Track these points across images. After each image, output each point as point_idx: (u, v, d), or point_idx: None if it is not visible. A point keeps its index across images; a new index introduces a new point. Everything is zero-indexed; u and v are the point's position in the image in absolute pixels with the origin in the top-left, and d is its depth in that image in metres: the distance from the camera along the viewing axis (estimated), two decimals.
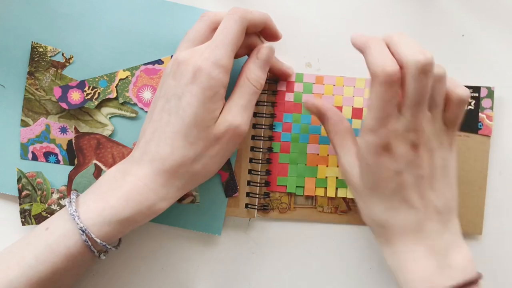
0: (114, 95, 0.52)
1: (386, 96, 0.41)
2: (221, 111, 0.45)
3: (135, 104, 0.52)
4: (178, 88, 0.44)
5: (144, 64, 0.52)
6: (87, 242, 0.43)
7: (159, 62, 0.52)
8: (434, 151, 0.44)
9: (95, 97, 0.52)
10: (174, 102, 0.44)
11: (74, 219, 0.43)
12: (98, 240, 0.43)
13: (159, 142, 0.44)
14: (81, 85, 0.52)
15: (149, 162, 0.45)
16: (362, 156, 0.44)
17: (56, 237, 0.44)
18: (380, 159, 0.43)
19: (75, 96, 0.52)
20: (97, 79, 0.52)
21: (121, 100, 0.52)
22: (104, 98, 0.52)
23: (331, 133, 0.48)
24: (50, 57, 0.52)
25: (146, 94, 0.52)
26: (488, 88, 0.52)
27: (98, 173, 0.53)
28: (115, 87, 0.52)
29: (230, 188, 0.52)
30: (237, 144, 0.47)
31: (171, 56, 0.52)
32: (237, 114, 0.45)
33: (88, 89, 0.52)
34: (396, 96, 0.42)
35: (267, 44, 0.48)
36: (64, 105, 0.52)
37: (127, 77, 0.52)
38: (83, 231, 0.43)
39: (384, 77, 0.40)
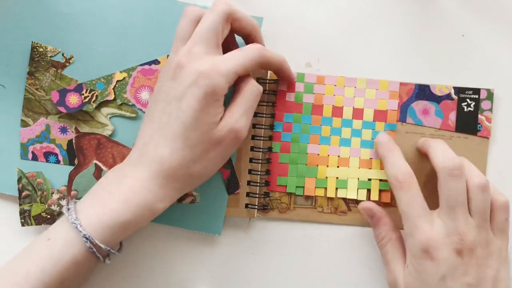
0: (112, 97, 0.52)
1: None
2: (223, 114, 0.45)
3: (133, 105, 0.52)
4: (178, 90, 0.44)
5: (141, 65, 0.52)
6: (92, 248, 0.43)
7: (156, 62, 0.52)
8: (482, 260, 0.45)
9: (93, 99, 0.52)
10: (175, 104, 0.44)
11: (77, 227, 0.43)
12: (103, 246, 0.43)
13: (158, 143, 0.44)
14: (78, 88, 0.52)
15: (147, 164, 0.44)
16: (410, 262, 0.46)
17: (60, 246, 0.43)
18: (424, 263, 0.44)
19: (73, 100, 0.52)
20: (94, 82, 0.52)
21: (119, 101, 0.52)
22: (102, 100, 0.52)
23: (384, 239, 0.50)
24: (50, 57, 0.52)
25: (144, 95, 0.52)
26: (488, 90, 0.52)
27: (98, 173, 0.52)
28: (113, 89, 0.52)
29: (231, 185, 0.52)
30: (237, 147, 0.47)
31: (168, 56, 0.52)
32: (239, 118, 0.45)
33: (86, 92, 0.52)
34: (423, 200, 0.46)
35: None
36: (62, 109, 0.52)
37: (124, 78, 0.52)
38: (86, 238, 0.43)
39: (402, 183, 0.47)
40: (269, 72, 0.52)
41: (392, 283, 0.48)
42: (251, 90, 0.46)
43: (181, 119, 0.43)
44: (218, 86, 0.43)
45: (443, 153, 0.47)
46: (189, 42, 0.45)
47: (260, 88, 0.47)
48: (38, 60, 0.52)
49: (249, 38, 0.49)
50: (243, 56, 0.45)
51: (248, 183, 0.53)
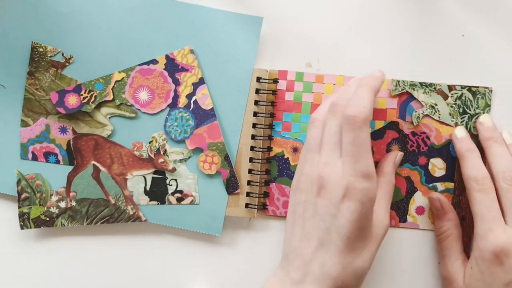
0: (110, 97, 0.52)
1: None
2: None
3: (131, 105, 0.52)
4: (330, 207, 0.43)
5: (139, 65, 0.52)
6: None
7: (154, 62, 0.52)
8: None
9: (91, 100, 0.52)
10: (331, 221, 0.43)
11: None
12: None
13: (324, 262, 0.43)
14: (77, 89, 0.52)
15: (315, 283, 0.43)
16: (475, 263, 0.46)
17: None
18: (491, 267, 0.45)
19: (71, 101, 0.52)
20: (93, 82, 0.52)
21: (117, 102, 0.52)
22: (100, 101, 0.52)
23: (446, 233, 0.50)
24: (50, 57, 0.52)
25: (143, 95, 0.52)
26: (487, 89, 0.52)
27: (96, 174, 0.53)
28: (111, 89, 0.52)
29: (231, 185, 0.52)
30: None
31: (166, 55, 0.52)
32: (386, 214, 0.47)
33: (85, 93, 0.52)
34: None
35: (401, 152, 0.51)
36: (61, 110, 0.52)
37: (122, 78, 0.52)
38: None
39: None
40: (268, 71, 0.52)
41: (446, 278, 0.49)
42: (387, 186, 0.49)
43: (345, 235, 0.42)
44: (371, 191, 0.43)
45: (505, 161, 0.48)
46: (324, 151, 0.44)
47: (393, 181, 0.49)
48: (38, 60, 0.52)
49: None
50: (362, 144, 0.43)
51: (248, 182, 0.53)
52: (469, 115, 0.52)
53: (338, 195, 0.42)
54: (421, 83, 0.52)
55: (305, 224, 0.44)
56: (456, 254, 0.49)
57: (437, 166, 0.52)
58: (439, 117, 0.51)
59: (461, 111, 0.51)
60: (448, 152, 0.52)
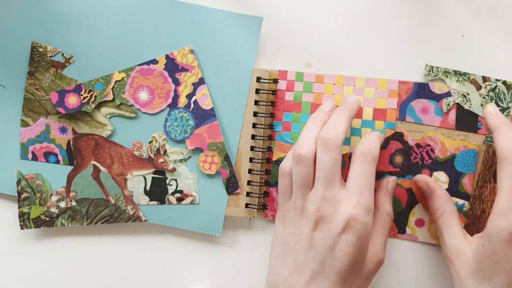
0: (110, 97, 0.52)
1: None
2: None
3: (131, 105, 0.52)
4: (327, 240, 0.44)
5: (139, 65, 0.52)
6: None
7: (154, 62, 0.52)
8: None
9: (91, 100, 0.52)
10: (327, 254, 0.44)
11: None
12: None
13: None
14: (77, 89, 0.52)
15: None
16: (489, 241, 0.44)
17: None
18: (507, 247, 0.42)
19: (72, 101, 0.52)
20: (93, 82, 0.52)
21: (117, 102, 0.52)
22: (100, 101, 0.52)
23: (438, 211, 0.49)
24: (50, 57, 0.52)
25: (143, 95, 0.52)
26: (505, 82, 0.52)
27: (96, 174, 0.53)
28: (111, 89, 0.52)
29: (231, 185, 0.52)
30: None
31: (166, 55, 0.52)
32: (381, 249, 0.47)
33: (85, 93, 0.52)
34: None
35: (393, 177, 0.51)
36: (61, 110, 0.52)
37: (122, 78, 0.52)
38: None
39: None
40: (268, 71, 0.52)
41: (449, 258, 0.47)
42: (384, 220, 0.49)
43: (339, 268, 0.43)
44: (368, 225, 0.44)
45: None
46: (318, 187, 0.45)
47: (391, 215, 0.49)
48: (38, 60, 0.52)
49: None
50: (366, 179, 0.45)
51: (248, 182, 0.53)
52: (501, 108, 0.51)
53: (338, 228, 0.43)
54: (455, 71, 0.52)
55: (298, 256, 0.45)
56: (454, 230, 0.48)
57: (440, 180, 0.52)
58: (469, 107, 0.51)
59: (493, 103, 0.51)
60: (452, 166, 0.52)
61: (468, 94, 0.51)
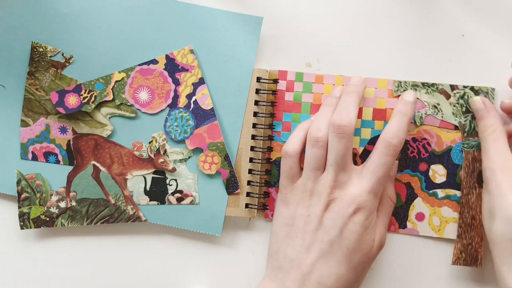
0: (110, 97, 0.52)
1: None
2: None
3: (132, 105, 0.52)
4: (337, 220, 0.45)
5: (139, 65, 0.52)
6: None
7: (154, 62, 0.52)
8: None
9: (91, 100, 0.52)
10: (335, 233, 0.45)
11: None
12: None
13: (322, 273, 0.45)
14: (77, 89, 0.52)
15: None
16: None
17: None
18: None
19: (72, 101, 0.52)
20: (93, 82, 0.52)
21: (117, 102, 0.52)
22: (100, 101, 0.52)
23: (490, 128, 0.49)
24: (50, 57, 0.52)
25: (143, 95, 0.52)
26: (489, 89, 0.52)
27: (96, 174, 0.53)
28: (111, 89, 0.52)
29: (231, 185, 0.52)
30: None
31: (166, 55, 0.52)
32: (383, 231, 0.48)
33: (85, 93, 0.52)
34: None
35: (395, 161, 0.52)
36: (61, 110, 0.52)
37: (122, 78, 0.52)
38: None
39: None
40: (268, 71, 0.52)
41: (492, 169, 0.47)
42: (388, 206, 0.50)
43: (344, 246, 0.45)
44: (375, 207, 0.46)
45: None
46: (331, 171, 0.46)
47: (394, 201, 0.51)
48: (38, 60, 0.52)
49: None
50: (384, 168, 0.46)
51: (248, 183, 0.53)
52: (472, 114, 0.51)
53: (349, 209, 0.45)
54: (423, 83, 0.52)
55: (305, 236, 0.46)
56: (502, 146, 0.48)
57: (438, 173, 0.52)
58: (442, 117, 0.51)
59: (464, 110, 0.51)
60: (449, 158, 0.52)
61: (438, 104, 0.52)
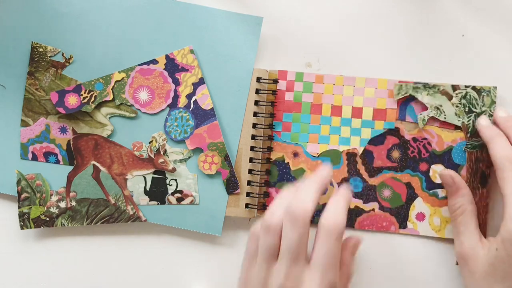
0: (110, 97, 0.52)
1: None
2: None
3: (132, 105, 0.52)
4: None
5: (139, 65, 0.52)
6: None
7: (154, 62, 0.52)
8: None
9: (91, 100, 0.52)
10: None
11: None
12: None
13: None
14: (77, 89, 0.52)
15: None
16: (503, 246, 0.45)
17: None
18: None
19: (72, 101, 0.52)
20: (93, 82, 0.52)
21: (117, 102, 0.52)
22: (100, 101, 0.52)
23: (460, 209, 0.49)
24: (50, 57, 0.52)
25: (143, 95, 0.52)
26: (491, 88, 0.52)
27: (96, 174, 0.53)
28: (111, 89, 0.52)
29: (231, 185, 0.52)
30: None
31: (166, 55, 0.52)
32: None
33: (85, 93, 0.52)
34: None
35: (358, 239, 0.48)
36: (61, 110, 0.52)
37: (122, 78, 0.52)
38: None
39: None
40: (268, 71, 0.52)
41: (463, 256, 0.48)
42: (344, 279, 0.46)
43: None
44: None
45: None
46: (283, 261, 0.43)
47: (351, 275, 0.47)
48: (38, 60, 0.52)
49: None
50: (331, 257, 0.42)
51: (248, 183, 0.53)
52: (475, 113, 0.51)
53: None
54: (424, 85, 0.52)
55: None
56: (471, 230, 0.48)
57: (438, 173, 0.52)
58: (444, 118, 0.51)
59: (466, 110, 0.51)
60: (449, 158, 0.52)
61: (441, 105, 0.52)
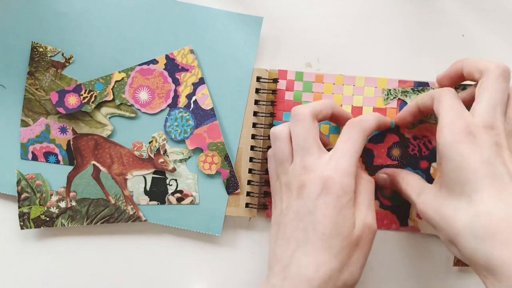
0: (110, 97, 0.52)
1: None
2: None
3: (132, 105, 0.52)
4: (308, 204, 0.42)
5: (139, 65, 0.52)
6: None
7: (154, 62, 0.52)
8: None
9: (91, 100, 0.52)
10: (308, 218, 0.42)
11: None
12: None
13: (300, 263, 0.42)
14: (77, 89, 0.52)
15: (293, 286, 0.42)
16: (444, 163, 0.42)
17: None
18: (460, 146, 0.41)
19: (72, 101, 0.52)
20: (93, 82, 0.52)
21: (117, 102, 0.52)
22: (100, 101, 0.52)
23: (403, 183, 0.48)
24: (50, 57, 0.52)
25: (143, 95, 0.52)
26: None
27: (96, 174, 0.52)
28: (111, 89, 0.52)
29: (231, 185, 0.52)
30: (372, 242, 0.45)
31: (166, 55, 0.52)
32: (367, 213, 0.44)
33: (85, 93, 0.52)
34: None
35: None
36: (61, 110, 0.52)
37: (122, 78, 0.52)
38: None
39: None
40: (268, 71, 0.52)
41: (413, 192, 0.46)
42: (367, 185, 0.46)
43: (320, 231, 0.42)
44: (348, 186, 0.42)
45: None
46: (296, 158, 0.44)
47: (372, 180, 0.47)
48: (38, 60, 0.52)
49: (334, 118, 0.49)
50: (352, 145, 0.44)
51: (248, 182, 0.53)
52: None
53: (317, 190, 0.42)
54: (413, 89, 0.52)
55: (285, 229, 0.44)
56: (415, 182, 0.47)
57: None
58: (435, 121, 0.51)
59: None
60: None
61: None
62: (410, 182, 0.47)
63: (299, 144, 0.44)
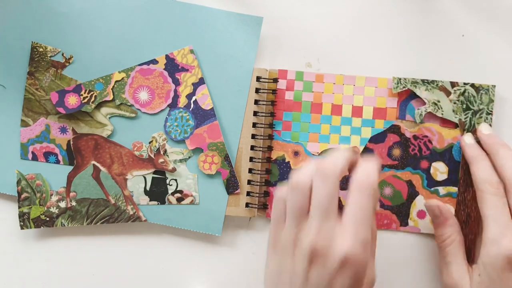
0: (110, 97, 0.52)
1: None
2: None
3: (132, 105, 0.52)
4: (325, 277, 0.40)
5: (139, 65, 0.52)
6: None
7: (154, 62, 0.52)
8: None
9: (91, 100, 0.52)
10: None
11: None
12: None
13: None
14: (77, 89, 0.52)
15: None
16: (484, 270, 0.45)
17: None
18: (503, 274, 0.44)
19: (72, 101, 0.52)
20: (93, 82, 0.52)
21: (117, 102, 0.52)
22: (100, 101, 0.52)
23: (448, 239, 0.49)
24: (50, 57, 0.52)
25: (143, 95, 0.52)
26: (490, 86, 0.52)
27: (96, 174, 0.52)
28: (111, 89, 0.52)
29: (231, 185, 0.52)
30: None
31: (166, 55, 0.52)
32: (373, 269, 0.44)
33: (85, 93, 0.52)
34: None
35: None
36: (61, 110, 0.52)
37: (122, 78, 0.52)
38: None
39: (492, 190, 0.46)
40: (268, 70, 0.52)
41: (449, 283, 0.48)
42: (374, 241, 0.45)
43: None
44: (366, 258, 0.40)
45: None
46: (313, 220, 0.41)
47: (375, 230, 0.45)
48: (38, 60, 0.52)
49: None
50: (364, 212, 0.41)
51: (248, 182, 0.53)
52: (472, 111, 0.51)
53: (335, 265, 0.40)
54: (423, 80, 0.52)
55: None
56: (460, 260, 0.48)
57: (439, 170, 0.52)
58: (442, 114, 0.51)
59: (464, 107, 0.51)
60: (450, 156, 0.52)
61: (438, 101, 0.52)
62: (455, 251, 0.49)
63: (322, 206, 0.41)
